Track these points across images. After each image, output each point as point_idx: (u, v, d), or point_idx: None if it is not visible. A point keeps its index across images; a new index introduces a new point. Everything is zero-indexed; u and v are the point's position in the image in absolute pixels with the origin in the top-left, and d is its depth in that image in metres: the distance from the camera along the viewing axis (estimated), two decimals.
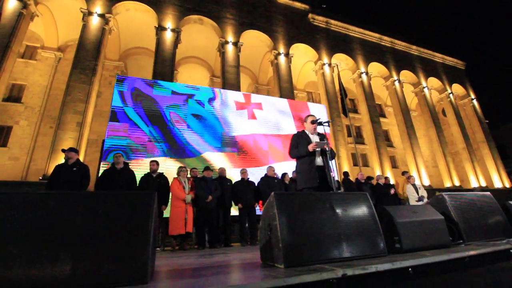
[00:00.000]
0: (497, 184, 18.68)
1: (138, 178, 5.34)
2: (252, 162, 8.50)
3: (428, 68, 20.63)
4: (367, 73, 17.38)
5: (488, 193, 3.25)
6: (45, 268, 1.29)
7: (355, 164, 15.81)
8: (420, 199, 6.85)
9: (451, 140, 20.16)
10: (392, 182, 8.43)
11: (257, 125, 9.18)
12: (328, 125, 3.41)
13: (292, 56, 15.08)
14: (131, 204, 1.54)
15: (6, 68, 10.11)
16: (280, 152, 8.98)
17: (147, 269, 1.44)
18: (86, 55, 10.87)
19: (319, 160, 3.19)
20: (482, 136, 20.50)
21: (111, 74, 14.75)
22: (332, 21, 17.45)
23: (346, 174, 8.42)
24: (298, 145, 3.29)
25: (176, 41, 12.66)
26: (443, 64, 21.83)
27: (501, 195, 15.75)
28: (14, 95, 12.89)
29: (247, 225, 6.06)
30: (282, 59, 14.69)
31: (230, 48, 13.54)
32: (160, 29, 12.42)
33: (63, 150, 4.60)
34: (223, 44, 13.52)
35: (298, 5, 16.57)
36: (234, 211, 6.29)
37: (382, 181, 7.50)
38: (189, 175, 5.95)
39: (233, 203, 6.09)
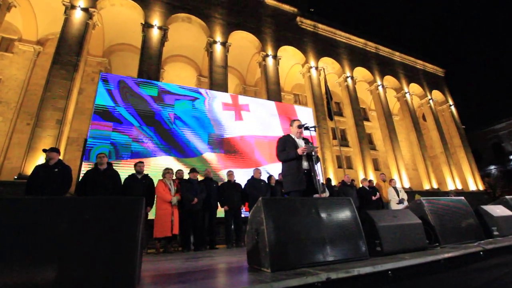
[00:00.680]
0: (472, 187, 19.67)
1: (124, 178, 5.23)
2: (238, 164, 8.51)
3: (410, 74, 21.43)
4: (352, 78, 17.82)
5: (462, 198, 3.44)
6: (30, 273, 1.27)
7: (340, 166, 16.17)
8: (401, 201, 7.11)
9: (430, 144, 21.02)
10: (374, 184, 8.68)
11: (244, 126, 9.20)
12: (315, 130, 3.49)
13: (280, 58, 15.20)
14: (119, 210, 1.52)
15: None
16: (267, 154, 9.05)
17: (134, 274, 1.44)
18: (68, 50, 10.47)
19: (305, 164, 3.26)
20: (459, 141, 21.52)
21: (94, 70, 14.28)
22: (320, 25, 17.75)
23: (328, 180, 8.61)
24: (285, 148, 3.33)
25: (163, 39, 12.45)
26: (424, 71, 22.74)
27: (475, 198, 16.63)
28: None
29: (232, 227, 6.06)
30: (270, 61, 14.78)
31: (218, 48, 13.47)
32: (146, 26, 12.17)
33: (44, 150, 4.42)
34: (211, 44, 13.43)
35: (287, 7, 16.74)
36: (220, 213, 6.28)
37: (366, 184, 7.73)
38: (174, 177, 5.89)
39: (219, 205, 6.07)
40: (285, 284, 1.50)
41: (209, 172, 6.41)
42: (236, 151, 8.69)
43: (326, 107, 13.90)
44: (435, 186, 17.41)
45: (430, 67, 23.22)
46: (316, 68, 16.34)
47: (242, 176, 7.11)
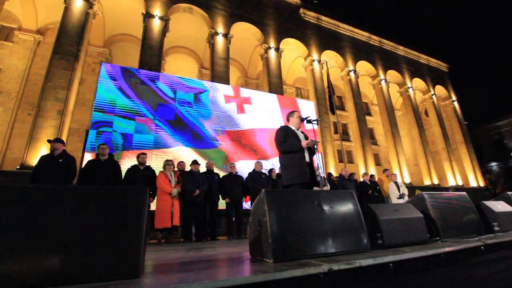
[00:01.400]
0: (473, 183, 19.69)
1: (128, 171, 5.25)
2: (240, 156, 8.52)
3: (413, 69, 21.20)
4: (355, 71, 17.65)
5: (464, 193, 3.44)
6: (35, 262, 1.28)
7: (341, 161, 16.18)
8: (401, 196, 7.12)
9: (432, 139, 20.95)
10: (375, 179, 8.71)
11: (245, 119, 9.17)
12: (317, 123, 3.46)
13: (282, 51, 15.04)
14: (123, 199, 1.53)
15: None
16: (268, 147, 9.04)
17: (139, 264, 1.45)
18: (68, 40, 10.36)
19: (307, 157, 3.23)
20: (461, 137, 21.44)
21: (95, 61, 14.18)
22: (323, 18, 17.49)
23: (329, 174, 8.64)
24: (286, 139, 3.18)
25: (164, 29, 12.30)
26: (428, 66, 22.49)
27: (476, 194, 16.67)
28: None
29: (234, 219, 6.11)
30: (272, 54, 14.63)
31: (220, 40, 13.32)
32: (147, 16, 12.02)
33: (49, 141, 4.43)
34: (213, 35, 13.28)
35: None
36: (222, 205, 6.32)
37: (366, 178, 7.76)
38: (176, 169, 5.90)
39: (220, 197, 6.10)
40: (288, 274, 1.51)
41: (211, 164, 6.42)
42: (237, 144, 8.69)
43: (328, 101, 13.82)
44: (436, 181, 17.44)
45: (434, 62, 22.96)
46: (319, 61, 16.17)
47: (243, 169, 7.13)
